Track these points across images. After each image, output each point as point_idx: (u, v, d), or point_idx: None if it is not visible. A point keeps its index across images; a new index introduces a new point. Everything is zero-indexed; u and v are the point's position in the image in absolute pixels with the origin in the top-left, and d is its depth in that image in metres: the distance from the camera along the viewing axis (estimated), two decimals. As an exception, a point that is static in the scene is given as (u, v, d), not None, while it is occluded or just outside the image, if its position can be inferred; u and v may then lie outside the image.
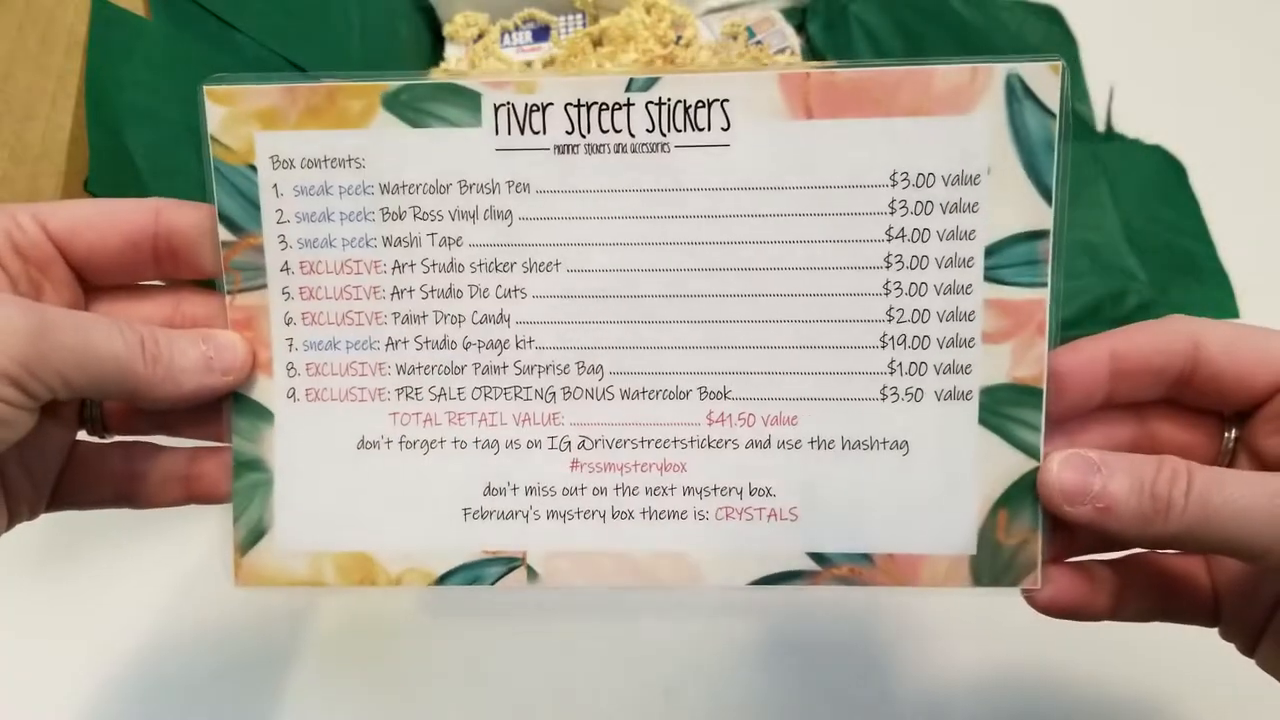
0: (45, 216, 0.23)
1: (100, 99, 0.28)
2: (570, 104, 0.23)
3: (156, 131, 0.29)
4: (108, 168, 0.28)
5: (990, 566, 0.24)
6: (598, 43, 0.42)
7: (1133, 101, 0.44)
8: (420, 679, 0.36)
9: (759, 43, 0.42)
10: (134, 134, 0.28)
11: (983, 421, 0.23)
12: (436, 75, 0.42)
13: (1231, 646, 0.25)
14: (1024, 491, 0.23)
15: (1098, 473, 0.22)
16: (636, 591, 0.24)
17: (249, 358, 0.24)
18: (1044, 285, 0.23)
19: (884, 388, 0.23)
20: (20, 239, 0.22)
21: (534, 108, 0.23)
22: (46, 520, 0.24)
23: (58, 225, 0.23)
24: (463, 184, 0.23)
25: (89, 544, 0.37)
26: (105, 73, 0.28)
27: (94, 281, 0.24)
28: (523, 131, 0.23)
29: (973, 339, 0.23)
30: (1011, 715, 0.35)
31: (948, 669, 0.36)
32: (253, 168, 0.24)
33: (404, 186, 0.24)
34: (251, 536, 0.25)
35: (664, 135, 0.23)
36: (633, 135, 0.23)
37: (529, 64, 0.43)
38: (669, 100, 0.23)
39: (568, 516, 0.24)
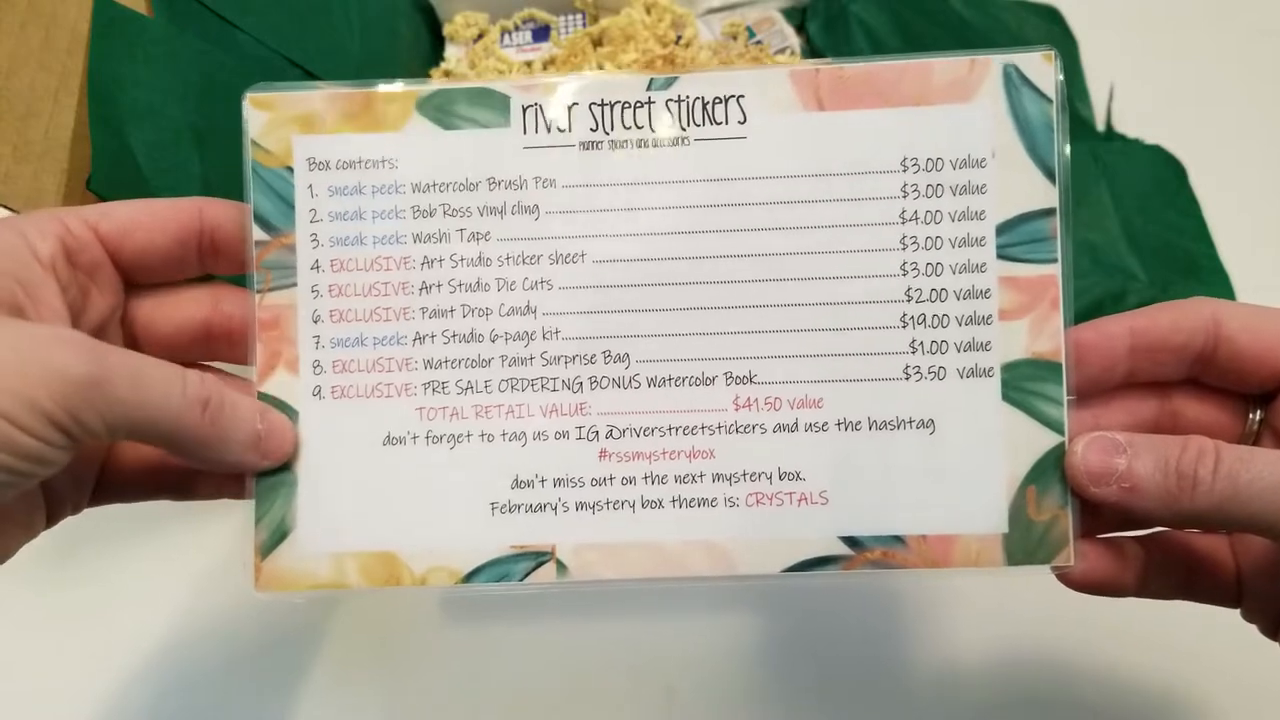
0: (95, 220, 0.23)
1: (103, 97, 0.28)
2: (594, 103, 0.24)
3: (158, 129, 0.29)
4: (110, 166, 0.28)
5: (1023, 545, 0.23)
6: (598, 43, 0.43)
7: (1133, 101, 0.44)
8: (423, 677, 0.35)
9: (759, 42, 0.43)
10: (136, 132, 0.28)
11: (1006, 398, 0.24)
12: (436, 75, 0.44)
13: (1250, 629, 0.25)
14: (1051, 467, 0.23)
15: (1123, 453, 0.22)
16: (649, 586, 0.24)
17: (294, 446, 0.24)
18: (1055, 261, 0.24)
19: (907, 367, 0.24)
20: (72, 245, 0.22)
21: (560, 108, 0.24)
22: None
23: (109, 229, 0.23)
24: (491, 181, 0.24)
25: (105, 541, 0.37)
26: (108, 71, 0.28)
27: (137, 281, 0.24)
28: (549, 130, 0.24)
29: (990, 316, 0.24)
30: (1018, 700, 0.34)
31: (956, 663, 0.35)
32: (289, 170, 0.24)
33: (435, 185, 0.24)
34: (274, 538, 0.24)
35: (684, 130, 0.24)
36: (654, 131, 0.24)
37: (529, 64, 0.44)
38: (688, 97, 0.24)
39: (597, 507, 0.24)
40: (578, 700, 0.34)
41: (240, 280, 0.25)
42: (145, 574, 0.36)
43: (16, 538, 0.22)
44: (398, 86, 0.24)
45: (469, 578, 0.24)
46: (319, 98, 0.24)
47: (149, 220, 0.23)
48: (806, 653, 0.35)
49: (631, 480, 0.24)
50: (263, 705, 0.35)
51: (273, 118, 0.24)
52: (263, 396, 0.24)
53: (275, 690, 0.35)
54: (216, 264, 0.25)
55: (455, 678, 0.35)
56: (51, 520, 0.23)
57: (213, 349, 0.25)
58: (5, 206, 0.25)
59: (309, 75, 0.36)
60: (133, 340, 0.25)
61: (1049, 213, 0.24)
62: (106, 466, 0.24)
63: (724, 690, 0.34)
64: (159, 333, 0.25)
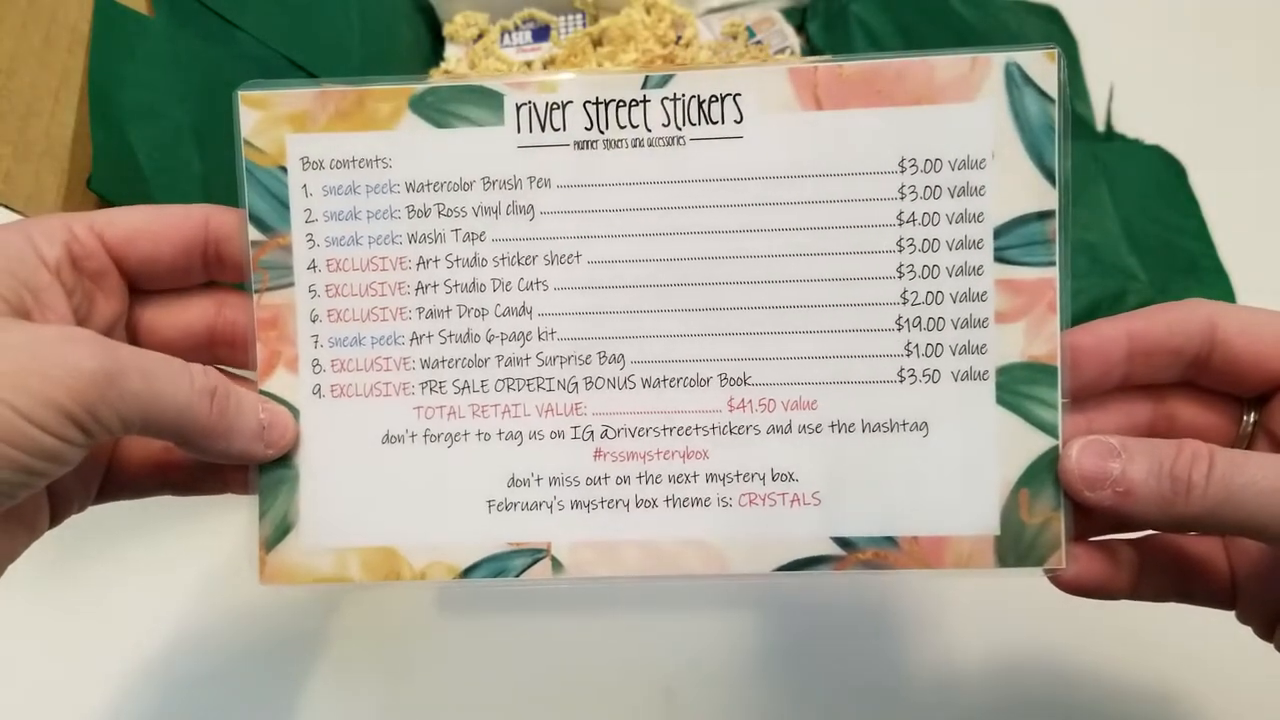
0: (101, 227, 0.23)
1: (103, 96, 0.28)
2: (589, 101, 0.24)
3: (159, 129, 0.29)
4: (110, 165, 0.28)
5: (1014, 547, 0.24)
6: (598, 43, 0.42)
7: (1133, 101, 0.44)
8: (424, 676, 0.35)
9: (759, 42, 0.43)
10: (136, 131, 0.28)
11: (1000, 401, 0.24)
12: (436, 75, 0.44)
13: (1246, 631, 0.25)
14: (1044, 471, 0.23)
15: (1117, 457, 0.22)
16: (647, 584, 0.24)
17: (295, 436, 0.25)
18: (1052, 264, 0.23)
19: (901, 370, 0.24)
20: (78, 251, 0.23)
21: (554, 106, 0.24)
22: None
23: (114, 236, 0.23)
24: (486, 181, 0.24)
25: (107, 540, 0.37)
26: (108, 70, 0.28)
27: (142, 287, 0.24)
28: (543, 129, 0.24)
29: (986, 319, 0.24)
30: (1018, 701, 0.34)
31: (956, 664, 0.35)
32: (283, 169, 0.24)
33: (429, 184, 0.24)
34: (277, 533, 0.25)
35: (679, 129, 0.24)
36: (649, 130, 0.24)
37: (529, 64, 0.44)
38: (683, 95, 0.24)
39: (592, 506, 0.24)
40: (577, 700, 0.35)
41: (245, 286, 0.25)
42: (146, 573, 0.37)
43: (20, 539, 0.22)
44: (390, 84, 0.24)
45: (467, 573, 0.25)
46: (311, 96, 0.24)
47: (155, 229, 0.23)
48: (806, 654, 0.35)
49: (626, 480, 0.24)
50: (264, 703, 0.35)
51: (264, 116, 0.24)
52: (264, 394, 0.25)
53: (276, 688, 0.35)
54: (222, 272, 0.25)
55: (456, 677, 0.36)
56: (56, 519, 0.23)
57: (216, 354, 0.25)
58: (6, 206, 0.25)
59: (309, 75, 0.36)
60: (136, 345, 0.25)
61: (1048, 215, 0.23)
62: (113, 463, 0.25)
63: (723, 691, 0.35)
64: (163, 338, 0.25)
